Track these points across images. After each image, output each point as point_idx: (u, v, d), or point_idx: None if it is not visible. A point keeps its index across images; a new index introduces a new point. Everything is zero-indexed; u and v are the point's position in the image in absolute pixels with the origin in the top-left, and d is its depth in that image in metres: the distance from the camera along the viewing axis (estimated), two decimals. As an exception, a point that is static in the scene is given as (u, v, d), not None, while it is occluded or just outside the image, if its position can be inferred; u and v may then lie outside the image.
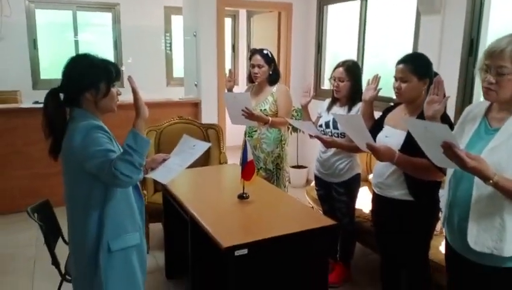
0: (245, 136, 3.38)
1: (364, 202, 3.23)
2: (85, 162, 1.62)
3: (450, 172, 1.79)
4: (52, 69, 6.24)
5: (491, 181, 1.47)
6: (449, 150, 1.46)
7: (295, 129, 4.94)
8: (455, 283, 1.93)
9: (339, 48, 4.95)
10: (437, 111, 1.92)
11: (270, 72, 3.29)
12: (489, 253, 1.62)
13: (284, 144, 3.40)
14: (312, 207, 3.63)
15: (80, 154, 1.63)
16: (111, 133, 1.74)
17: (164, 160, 2.08)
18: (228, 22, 7.06)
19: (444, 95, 1.98)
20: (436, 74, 2.31)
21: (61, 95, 1.75)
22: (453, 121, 2.20)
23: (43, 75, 6.31)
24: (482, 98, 1.76)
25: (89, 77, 1.71)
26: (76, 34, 6.49)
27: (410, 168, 2.18)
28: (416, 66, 2.25)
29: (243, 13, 7.05)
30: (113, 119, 1.95)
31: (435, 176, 2.08)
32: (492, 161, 1.54)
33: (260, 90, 3.34)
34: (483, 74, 1.63)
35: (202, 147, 2.13)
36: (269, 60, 3.28)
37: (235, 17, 7.16)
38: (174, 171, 2.03)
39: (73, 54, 1.83)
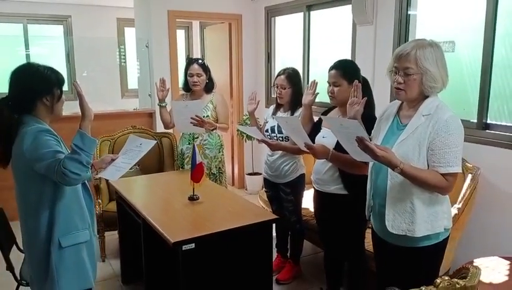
0: (193, 141, 3.48)
1: (311, 201, 3.43)
2: (35, 163, 1.73)
3: (370, 165, 2.02)
4: (2, 83, 6.13)
5: (398, 168, 1.70)
6: (361, 143, 1.68)
7: (249, 137, 5.13)
8: (382, 266, 2.15)
9: (288, 57, 5.19)
10: (357, 111, 2.16)
11: (207, 81, 3.45)
12: (403, 235, 1.85)
13: (223, 149, 3.59)
14: (264, 208, 3.80)
15: (29, 156, 1.74)
16: (59, 136, 1.85)
17: (113, 160, 2.21)
18: (182, 33, 7.21)
19: (363, 97, 2.21)
20: (364, 79, 2.56)
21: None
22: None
23: (-7, 90, 6.21)
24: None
25: (44, 82, 1.83)
26: (27, 47, 6.44)
27: (341, 164, 2.41)
28: (345, 71, 2.49)
29: (196, 25, 7.20)
30: (61, 132, 2.01)
31: (362, 170, 2.28)
32: (402, 152, 1.78)
33: (196, 98, 3.44)
34: (393, 75, 1.87)
35: (148, 145, 2.27)
36: (206, 68, 3.44)
37: (188, 29, 7.31)
38: (122, 169, 2.18)
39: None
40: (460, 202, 2.66)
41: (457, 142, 1.74)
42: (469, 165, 2.81)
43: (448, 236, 1.92)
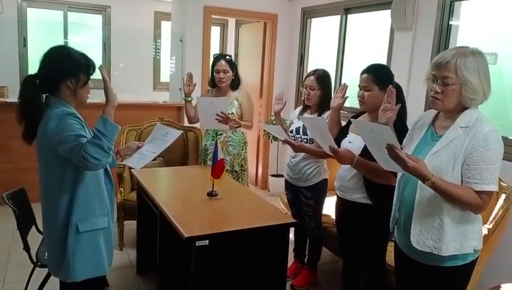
0: (216, 137, 3.42)
1: (332, 208, 3.33)
2: (58, 146, 1.73)
3: (398, 175, 1.92)
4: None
5: (429, 181, 1.59)
6: (392, 151, 1.59)
7: (275, 138, 5.06)
8: (402, 282, 2.05)
9: (321, 59, 5.09)
10: (390, 118, 2.05)
11: (233, 78, 3.39)
12: (429, 252, 1.74)
13: (247, 146, 3.54)
14: (284, 211, 3.72)
15: (53, 139, 1.73)
16: (83, 120, 1.84)
17: (138, 147, 2.19)
18: (217, 30, 7.21)
19: (396, 104, 2.10)
20: (397, 85, 2.45)
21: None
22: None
23: (31, 72, 6.35)
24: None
25: (72, 66, 1.83)
26: (66, 34, 6.57)
27: (367, 171, 2.30)
28: (378, 76, 2.38)
29: (232, 23, 7.20)
30: (90, 119, 1.99)
31: (389, 180, 2.18)
32: (434, 164, 1.67)
33: (222, 95, 3.40)
34: (430, 83, 1.76)
35: (174, 134, 2.25)
36: (233, 65, 3.39)
37: (224, 26, 7.31)
38: (147, 158, 2.16)
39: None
40: (491, 222, 2.51)
41: (495, 158, 1.62)
42: (504, 184, 2.65)
43: (477, 258, 1.80)
